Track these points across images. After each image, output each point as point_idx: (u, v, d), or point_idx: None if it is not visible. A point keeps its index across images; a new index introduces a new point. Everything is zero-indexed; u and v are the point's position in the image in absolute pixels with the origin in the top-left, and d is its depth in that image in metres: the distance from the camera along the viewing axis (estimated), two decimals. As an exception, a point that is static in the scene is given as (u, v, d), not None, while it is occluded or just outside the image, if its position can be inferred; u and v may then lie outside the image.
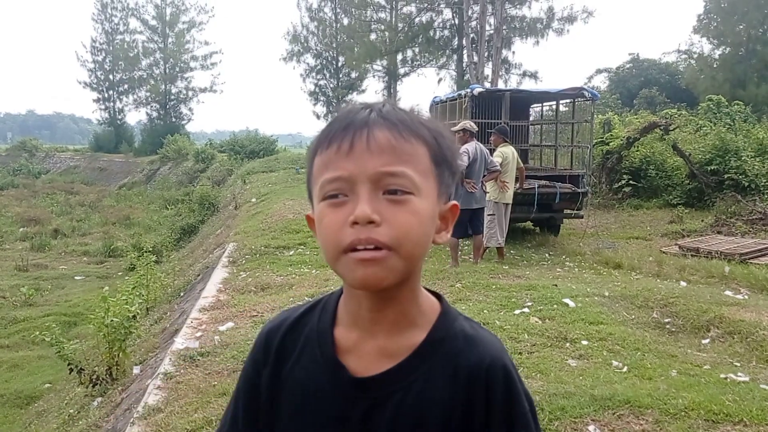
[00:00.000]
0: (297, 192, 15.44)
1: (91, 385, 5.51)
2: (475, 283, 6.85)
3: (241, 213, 14.29)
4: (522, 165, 9.28)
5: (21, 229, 20.31)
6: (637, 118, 19.98)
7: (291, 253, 8.94)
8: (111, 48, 46.25)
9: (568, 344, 4.84)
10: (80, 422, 4.97)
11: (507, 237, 9.62)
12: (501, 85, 25.11)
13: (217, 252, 10.23)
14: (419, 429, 0.94)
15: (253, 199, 15.79)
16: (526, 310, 5.80)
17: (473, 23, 26.07)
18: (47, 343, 6.52)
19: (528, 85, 28.72)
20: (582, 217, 10.98)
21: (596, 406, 3.49)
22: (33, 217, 22.14)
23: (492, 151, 8.93)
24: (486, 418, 0.94)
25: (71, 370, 5.58)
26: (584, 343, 4.85)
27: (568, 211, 10.60)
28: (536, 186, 9.81)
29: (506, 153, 8.75)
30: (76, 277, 14.25)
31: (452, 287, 6.78)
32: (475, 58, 25.80)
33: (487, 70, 26.10)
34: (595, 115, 16.98)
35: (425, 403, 0.94)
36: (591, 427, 3.31)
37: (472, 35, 25.85)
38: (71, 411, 5.66)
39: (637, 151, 16.83)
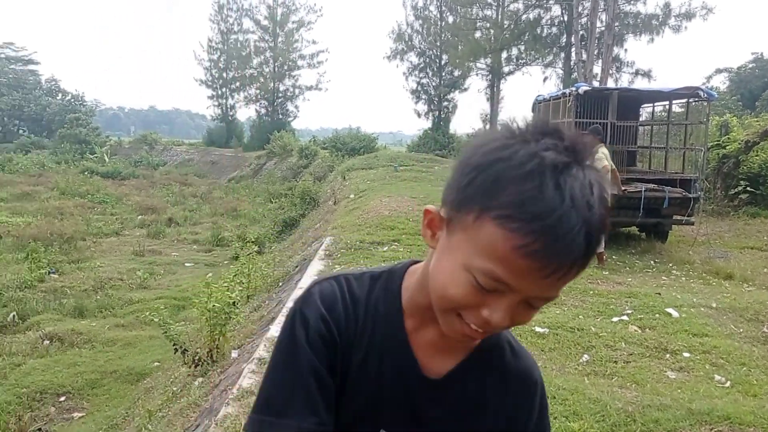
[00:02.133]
0: (394, 189, 15.57)
1: (193, 365, 5.83)
2: (572, 288, 6.66)
3: (339, 208, 14.57)
4: (614, 167, 8.91)
5: (139, 217, 21.67)
6: (757, 121, 18.66)
7: (384, 249, 9.03)
8: (225, 47, 48.30)
9: (668, 355, 4.62)
10: (182, 400, 5.26)
11: (609, 242, 9.29)
12: (611, 84, 24.21)
13: (315, 245, 10.48)
14: (471, 425, 1.00)
15: (352, 195, 16.07)
16: (625, 317, 5.58)
17: (583, 20, 25.26)
18: (156, 324, 6.98)
19: (641, 84, 27.48)
20: (693, 224, 10.38)
21: (693, 420, 3.33)
22: (150, 206, 23.55)
23: None
24: (525, 425, 1.02)
25: (176, 350, 5.92)
26: (686, 355, 4.62)
27: (678, 217, 10.05)
28: (643, 189, 9.38)
29: (606, 154, 8.50)
30: (186, 264, 15.04)
31: (548, 290, 6.62)
32: (584, 56, 25.00)
33: (596, 69, 25.22)
34: (712, 117, 16.06)
35: (479, 402, 1.00)
36: (686, 442, 3.16)
37: (581, 32, 25.07)
38: (174, 389, 6.00)
39: (756, 155, 15.70)
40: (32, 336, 9.37)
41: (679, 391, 3.84)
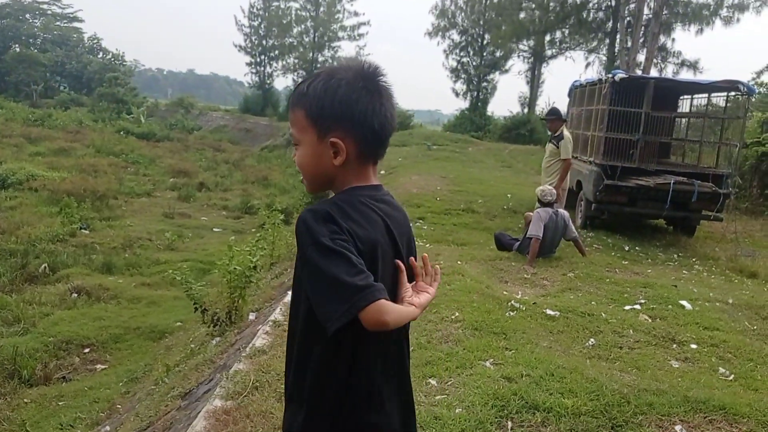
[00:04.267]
0: (425, 168, 15.62)
1: (212, 325, 6.02)
2: (589, 275, 6.69)
3: (368, 183, 14.68)
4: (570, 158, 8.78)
5: (171, 180, 22.00)
6: (803, 120, 18.14)
7: (409, 225, 9.13)
8: (267, 14, 48.24)
9: (675, 346, 4.65)
10: (199, 356, 5.45)
11: (631, 232, 9.26)
12: (654, 74, 23.74)
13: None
14: None
15: (382, 171, 16.15)
16: (637, 306, 5.61)
17: (631, 6, 24.73)
18: (180, 285, 7.17)
19: (686, 75, 26.88)
20: (721, 220, 10.23)
21: (687, 407, 3.38)
22: (183, 169, 23.85)
23: (554, 138, 8.59)
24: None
25: (196, 309, 6.11)
26: (693, 346, 4.64)
27: (707, 213, 9.93)
28: (672, 182, 9.27)
29: (570, 138, 8.51)
30: (214, 229, 15.29)
31: (564, 276, 6.66)
32: (629, 44, 24.53)
33: (641, 57, 24.74)
34: (755, 114, 15.64)
35: None
36: (678, 427, 3.21)
37: (628, 19, 24.58)
38: (193, 346, 6.21)
39: (798, 155, 15.32)
40: (61, 288, 9.65)
41: (679, 379, 3.87)
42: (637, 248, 9.06)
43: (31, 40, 61.53)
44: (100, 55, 62.98)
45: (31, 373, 6.96)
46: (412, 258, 1.54)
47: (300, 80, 1.54)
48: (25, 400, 6.51)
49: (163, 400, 4.55)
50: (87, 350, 7.79)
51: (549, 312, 5.19)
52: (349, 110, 1.43)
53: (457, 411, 3.29)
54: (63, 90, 53.53)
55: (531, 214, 7.59)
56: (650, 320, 5.20)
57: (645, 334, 4.81)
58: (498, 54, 36.46)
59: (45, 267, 10.70)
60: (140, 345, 8.05)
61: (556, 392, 3.51)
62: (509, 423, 3.23)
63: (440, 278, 1.61)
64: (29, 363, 7.06)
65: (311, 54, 46.50)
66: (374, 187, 1.53)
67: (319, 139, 1.45)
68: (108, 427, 5.38)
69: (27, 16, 65.55)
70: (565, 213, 7.61)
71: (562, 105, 12.91)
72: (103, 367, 7.51)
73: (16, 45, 57.71)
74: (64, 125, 33.65)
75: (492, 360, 4.03)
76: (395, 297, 1.46)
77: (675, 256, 9.07)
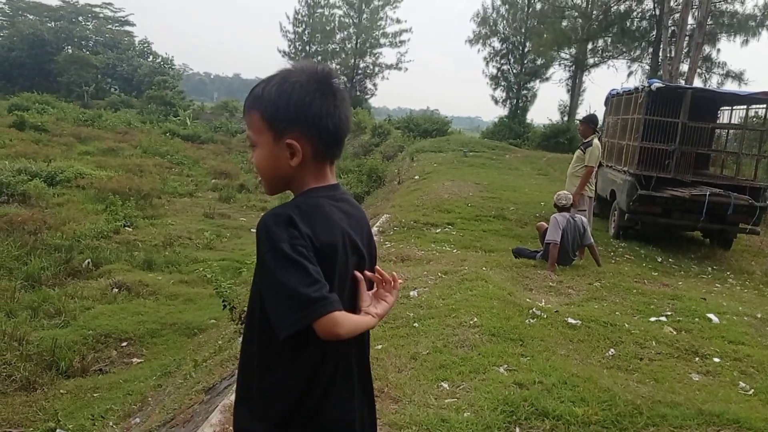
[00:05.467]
0: (459, 174, 15.62)
1: (239, 322, 6.19)
2: (616, 285, 6.65)
3: (402, 188, 14.77)
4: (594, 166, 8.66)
5: (213, 181, 22.49)
6: None
7: (437, 230, 9.19)
8: (311, 21, 48.90)
9: (697, 359, 4.61)
10: (225, 352, 5.63)
11: (666, 244, 9.14)
12: (698, 84, 23.27)
13: (371, 222, 10.76)
14: None
15: (416, 177, 16.21)
16: (663, 318, 5.56)
17: (675, 15, 24.27)
18: (210, 281, 7.36)
19: (731, 86, 26.25)
20: (758, 233, 10.01)
21: (701, 420, 3.38)
22: (224, 171, 24.34)
23: (584, 144, 8.51)
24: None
25: (224, 306, 6.30)
26: (716, 360, 4.60)
27: (744, 226, 9.74)
28: (707, 193, 9.12)
29: (599, 146, 8.41)
30: (251, 230, 15.52)
31: (590, 285, 6.64)
32: (673, 53, 24.06)
33: (684, 67, 24.26)
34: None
35: None
36: (687, 440, 3.21)
37: (672, 28, 24.12)
38: (221, 343, 6.39)
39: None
40: (103, 283, 9.98)
41: (697, 392, 3.85)
42: (670, 260, 8.94)
43: (83, 43, 63.53)
44: (150, 59, 64.58)
45: (68, 365, 7.22)
46: (367, 272, 1.57)
47: (255, 84, 1.58)
48: (62, 391, 6.76)
49: (188, 393, 4.72)
50: (124, 344, 8.04)
51: (570, 320, 5.19)
52: (304, 112, 1.48)
53: (465, 415, 3.35)
54: (114, 92, 55.01)
55: (543, 224, 7.60)
56: (675, 332, 5.16)
57: (668, 346, 4.78)
58: (539, 62, 36.20)
59: (88, 262, 11.07)
60: (175, 340, 8.26)
61: (567, 400, 3.54)
62: (517, 429, 3.28)
63: (399, 286, 1.62)
64: (67, 355, 7.33)
65: (353, 60, 46.90)
66: (332, 187, 1.57)
67: (275, 141, 1.50)
68: (138, 419, 5.59)
69: (80, 18, 67.69)
70: (583, 218, 7.58)
71: (603, 114, 12.79)
72: (139, 360, 7.74)
73: (69, 47, 59.60)
74: (114, 126, 34.63)
75: (506, 366, 4.07)
76: (355, 299, 1.52)
77: (709, 269, 8.92)
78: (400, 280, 1.64)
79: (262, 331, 1.48)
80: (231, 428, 3.21)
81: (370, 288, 1.57)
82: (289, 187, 1.56)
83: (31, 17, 65.61)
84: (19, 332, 7.63)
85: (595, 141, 8.39)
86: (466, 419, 3.28)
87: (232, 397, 3.55)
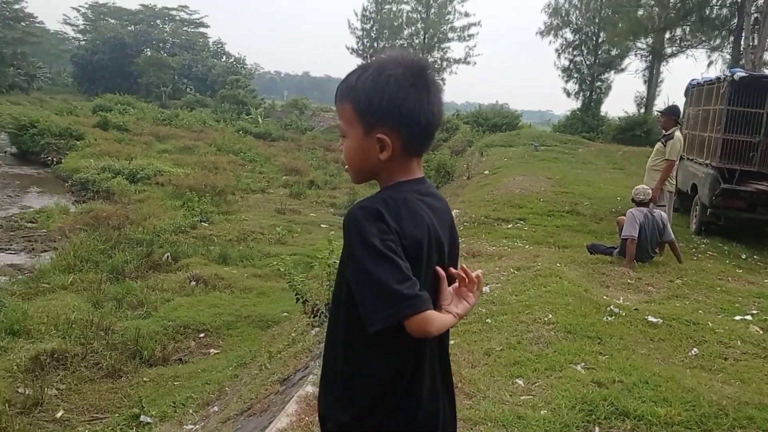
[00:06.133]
0: (530, 168, 15.35)
1: (312, 315, 6.29)
2: (698, 282, 6.39)
3: (471, 183, 14.64)
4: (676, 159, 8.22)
5: (284, 177, 22.93)
6: None
7: (509, 226, 9.06)
8: (378, 17, 49.09)
9: (786, 360, 4.38)
10: (298, 345, 5.73)
11: (750, 240, 8.73)
12: (784, 73, 22.03)
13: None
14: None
15: (486, 171, 16.04)
16: (748, 317, 5.31)
17: (759, 2, 23.06)
18: (285, 275, 7.50)
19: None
20: None
21: (792, 425, 3.20)
22: (295, 167, 24.79)
23: (665, 137, 8.11)
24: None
25: (297, 299, 6.41)
26: (808, 362, 4.35)
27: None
28: None
29: (680, 139, 8.04)
30: (321, 225, 15.78)
31: (671, 282, 6.41)
32: (755, 41, 22.88)
33: (767, 56, 23.03)
34: None
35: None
36: (779, 445, 3.06)
37: (755, 15, 22.94)
38: (294, 335, 6.51)
39: None
40: (181, 276, 10.33)
41: (787, 395, 3.67)
42: (755, 257, 8.51)
43: (161, 45, 65.97)
44: (223, 59, 66.43)
45: (150, 354, 7.52)
46: (451, 268, 1.53)
47: (350, 71, 1.55)
48: (144, 379, 7.05)
49: (264, 384, 4.83)
50: (202, 335, 8.30)
51: (651, 319, 5.02)
52: (397, 108, 1.45)
53: (542, 412, 3.29)
54: (189, 92, 56.86)
55: (623, 218, 7.35)
56: (761, 332, 4.91)
57: (754, 346, 4.56)
58: (613, 52, 35.11)
59: (168, 256, 11.49)
60: (250, 332, 8.46)
61: (649, 400, 3.43)
62: (596, 428, 3.20)
63: (482, 287, 1.59)
64: (149, 345, 7.63)
65: (421, 55, 46.69)
66: (419, 181, 1.55)
67: (366, 134, 1.49)
68: (216, 408, 5.76)
69: (158, 21, 70.27)
70: (663, 214, 7.30)
71: (683, 105, 12.29)
72: (215, 351, 7.98)
73: (148, 49, 61.98)
74: (189, 125, 35.82)
75: (584, 364, 3.97)
76: (436, 295, 1.49)
77: (798, 267, 8.44)
78: (483, 281, 1.60)
79: (347, 323, 1.49)
80: (307, 418, 3.28)
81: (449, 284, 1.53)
82: (375, 178, 1.56)
83: (112, 21, 68.66)
84: (105, 322, 8.00)
85: (677, 133, 8.07)
86: (543, 417, 3.23)
87: (308, 388, 3.62)
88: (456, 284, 1.53)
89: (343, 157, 1.57)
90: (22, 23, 57.86)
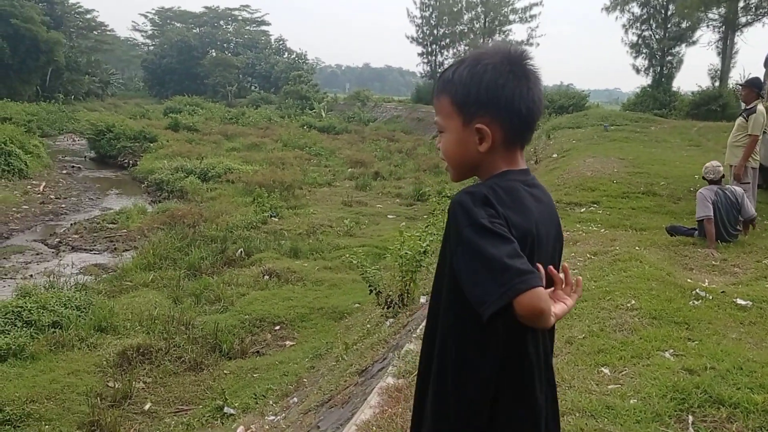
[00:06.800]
0: (601, 150, 14.91)
1: (386, 307, 6.31)
2: (788, 260, 6.06)
3: (539, 167, 14.35)
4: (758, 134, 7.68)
5: (349, 170, 23.10)
6: None
7: (582, 210, 8.82)
8: (437, 3, 48.73)
9: None
10: (374, 336, 5.76)
11: None
12: None
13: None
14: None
15: (555, 155, 15.69)
16: None
17: None
18: (356, 267, 7.55)
19: None
20: None
21: None
22: (359, 159, 24.90)
23: (746, 110, 7.62)
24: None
25: (371, 291, 6.44)
26: None
27: None
28: None
29: (764, 113, 7.52)
30: (388, 216, 15.82)
31: (758, 263, 6.10)
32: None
33: None
34: None
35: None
36: None
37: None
38: (369, 326, 6.55)
39: None
40: (255, 270, 10.56)
41: None
42: None
43: (225, 45, 67.63)
44: (285, 55, 67.41)
45: (229, 347, 7.73)
46: (551, 267, 1.44)
47: (445, 68, 1.54)
48: (225, 372, 7.25)
49: (342, 375, 4.88)
50: (277, 328, 8.46)
51: (740, 302, 4.79)
52: (496, 96, 1.42)
53: (631, 402, 3.18)
54: (254, 89, 58.07)
55: None
56: None
57: None
58: (684, 25, 33.60)
59: (241, 251, 11.78)
60: (323, 324, 8.57)
61: (744, 387, 3.26)
62: (690, 417, 3.07)
63: (581, 291, 1.49)
64: (228, 338, 7.85)
65: (482, 40, 46.11)
66: (523, 172, 1.50)
67: (464, 126, 1.46)
68: (296, 399, 5.85)
69: (221, 22, 71.95)
70: (738, 189, 6.93)
71: (763, 76, 11.66)
72: (291, 343, 8.12)
73: (213, 50, 63.62)
74: (255, 122, 36.60)
75: (672, 351, 3.82)
76: None
77: None
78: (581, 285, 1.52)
79: (451, 313, 1.45)
80: (390, 410, 3.28)
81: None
82: (476, 173, 1.52)
83: (178, 25, 70.78)
84: (185, 317, 8.28)
85: (759, 107, 7.65)
86: (633, 406, 3.12)
87: (389, 380, 3.62)
88: (552, 288, 1.43)
89: (442, 154, 1.55)
90: (94, 32, 60.42)
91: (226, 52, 63.57)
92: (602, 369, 3.62)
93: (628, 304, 4.62)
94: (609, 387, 3.39)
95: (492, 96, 1.42)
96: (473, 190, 1.39)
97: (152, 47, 69.78)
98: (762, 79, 11.23)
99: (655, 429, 2.93)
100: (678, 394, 3.21)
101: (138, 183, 21.37)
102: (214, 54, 61.62)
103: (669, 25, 34.20)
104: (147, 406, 6.51)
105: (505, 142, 1.46)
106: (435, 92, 1.53)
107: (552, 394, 1.57)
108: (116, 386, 6.67)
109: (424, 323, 4.52)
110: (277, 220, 14.46)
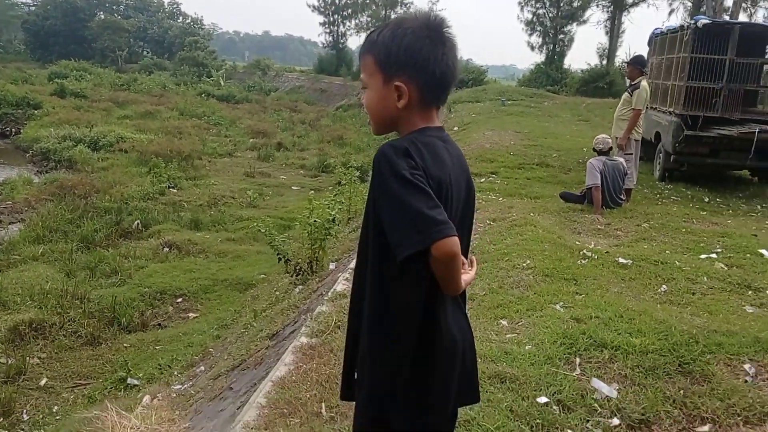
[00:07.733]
0: (498, 123, 15.49)
1: (294, 274, 6.38)
2: (664, 225, 6.65)
3: (441, 139, 14.67)
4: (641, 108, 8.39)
5: (251, 140, 22.68)
6: None
7: (482, 180, 9.20)
8: (340, -28, 48.15)
9: (750, 292, 4.64)
10: (283, 302, 5.83)
11: (713, 184, 9.02)
12: (743, 19, 22.41)
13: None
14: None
15: (456, 128, 16.13)
16: (713, 255, 5.57)
17: (718, -53, 23.30)
18: (264, 240, 7.53)
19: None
20: (810, 171, 9.78)
21: (758, 348, 3.45)
22: (261, 130, 24.48)
23: (631, 86, 8.31)
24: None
25: (279, 259, 6.49)
26: (770, 293, 4.61)
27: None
28: (757, 131, 8.91)
29: (647, 89, 8.18)
30: (293, 187, 15.75)
31: (638, 227, 6.65)
32: (715, -13, 23.19)
33: (728, 2, 23.39)
34: None
35: None
36: (747, 366, 3.28)
37: (714, -40, 23.19)
38: (278, 294, 6.60)
39: None
40: (154, 243, 10.28)
41: (752, 323, 3.89)
42: (717, 199, 8.83)
43: (114, 7, 63.79)
44: (180, 20, 64.62)
45: (129, 321, 7.55)
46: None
47: (371, 30, 1.69)
48: (125, 345, 7.08)
49: (252, 341, 4.93)
50: (179, 300, 8.31)
51: (621, 260, 5.24)
52: (413, 58, 1.56)
53: (526, 348, 3.47)
54: (146, 55, 55.44)
55: None
56: (726, 268, 5.17)
57: (720, 281, 4.81)
58: (575, 4, 35.14)
59: (138, 223, 11.41)
60: (228, 295, 8.49)
61: (624, 332, 3.63)
62: (577, 359, 3.38)
63: (476, 268, 1.79)
64: (127, 311, 7.65)
65: (384, 11, 46.16)
66: (439, 129, 1.65)
67: (385, 83, 1.60)
68: (203, 367, 5.83)
69: (109, -16, 67.68)
70: (622, 161, 7.54)
71: (646, 55, 12.47)
72: (194, 315, 8.01)
73: (101, 12, 59.97)
74: (149, 89, 35.03)
75: (562, 303, 4.17)
76: None
77: (759, 206, 8.76)
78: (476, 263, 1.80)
79: (376, 258, 1.59)
80: (305, 366, 3.39)
81: None
82: (396, 127, 1.66)
83: (61, -15, 65.90)
84: (80, 291, 7.97)
85: (643, 83, 8.23)
86: (528, 351, 3.40)
87: (303, 339, 3.73)
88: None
89: (365, 107, 1.68)
90: (-36, -11, 55.38)
91: (116, 15, 60.11)
92: (501, 321, 3.91)
93: (524, 264, 4.95)
94: (507, 336, 3.67)
95: (409, 57, 1.56)
96: (396, 144, 1.53)
97: (33, 7, 64.82)
98: (646, 57, 12.03)
99: (547, 370, 3.23)
100: (567, 339, 3.53)
101: (22, 152, 20.03)
102: (102, 16, 58.08)
103: (561, 4, 35.60)
104: (43, 382, 6.29)
105: (422, 101, 1.61)
106: (360, 51, 1.67)
107: (467, 324, 1.76)
108: (9, 362, 6.39)
109: (335, 287, 4.66)
110: (175, 191, 14.06)
